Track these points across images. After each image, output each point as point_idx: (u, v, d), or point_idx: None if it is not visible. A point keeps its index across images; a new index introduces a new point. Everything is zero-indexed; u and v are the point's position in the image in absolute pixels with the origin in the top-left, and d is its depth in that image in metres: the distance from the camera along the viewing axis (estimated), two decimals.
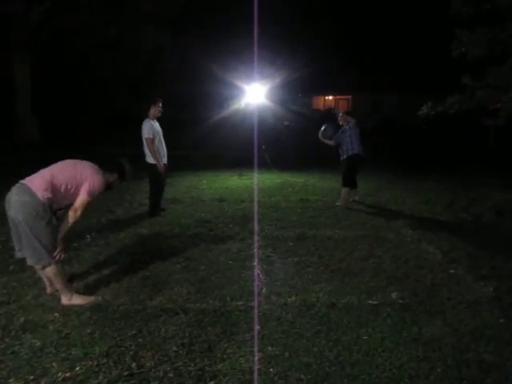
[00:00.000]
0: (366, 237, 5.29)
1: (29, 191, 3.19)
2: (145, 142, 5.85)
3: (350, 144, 6.79)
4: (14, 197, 3.21)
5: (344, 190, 6.93)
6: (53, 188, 3.27)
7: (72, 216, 3.38)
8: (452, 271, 4.20)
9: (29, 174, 3.37)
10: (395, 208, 6.86)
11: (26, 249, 3.26)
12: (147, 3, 15.69)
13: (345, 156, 6.92)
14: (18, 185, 3.29)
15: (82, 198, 3.38)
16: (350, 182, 6.93)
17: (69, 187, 3.35)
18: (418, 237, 5.29)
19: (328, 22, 24.01)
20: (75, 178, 3.38)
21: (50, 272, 3.34)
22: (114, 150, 13.64)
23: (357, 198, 7.33)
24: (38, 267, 3.43)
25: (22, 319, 3.15)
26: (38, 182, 3.25)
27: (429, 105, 9.24)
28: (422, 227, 5.69)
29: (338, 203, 6.98)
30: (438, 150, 14.93)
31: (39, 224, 3.17)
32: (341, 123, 7.08)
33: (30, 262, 3.32)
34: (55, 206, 3.38)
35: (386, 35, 24.29)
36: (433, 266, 4.32)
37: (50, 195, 3.24)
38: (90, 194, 3.40)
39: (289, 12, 22.83)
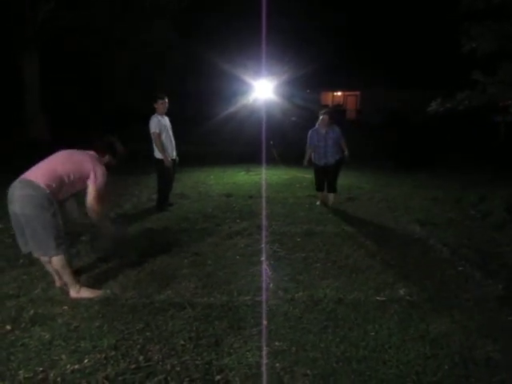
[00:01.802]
0: (373, 233, 5.27)
1: (31, 184, 3.20)
2: (153, 135, 5.89)
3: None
4: (18, 191, 3.22)
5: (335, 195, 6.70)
6: (57, 179, 3.28)
7: (93, 213, 3.46)
8: (460, 268, 4.17)
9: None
10: (403, 204, 6.82)
11: (33, 241, 3.27)
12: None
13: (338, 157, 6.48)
14: (19, 179, 3.30)
15: (92, 194, 3.42)
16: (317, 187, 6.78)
17: (72, 177, 3.36)
18: (425, 233, 5.26)
19: (337, 17, 23.84)
20: (77, 167, 3.40)
21: (57, 264, 3.37)
22: (122, 145, 13.72)
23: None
24: (44, 260, 3.46)
25: (31, 312, 3.19)
26: (40, 174, 3.25)
27: (438, 101, 9.16)
28: (430, 224, 5.66)
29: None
30: (446, 146, 14.81)
31: (45, 216, 3.19)
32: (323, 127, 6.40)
33: (37, 254, 3.36)
34: (61, 197, 3.40)
35: (395, 31, 24.08)
36: (441, 263, 4.30)
37: (54, 186, 3.26)
38: (98, 185, 3.43)
39: (297, 7, 22.69)
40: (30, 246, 3.33)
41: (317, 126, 6.49)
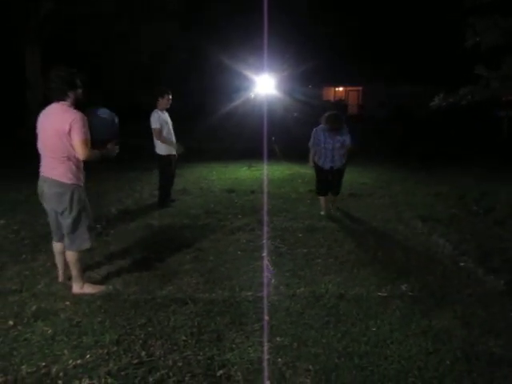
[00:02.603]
0: (375, 228, 5.27)
1: (57, 183, 3.24)
2: (154, 131, 5.88)
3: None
4: (47, 190, 3.29)
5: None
6: (71, 166, 3.25)
7: (90, 158, 3.28)
8: (462, 264, 4.17)
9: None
10: (406, 200, 6.80)
11: (68, 237, 3.34)
12: None
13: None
14: (43, 177, 3.32)
15: (80, 145, 3.17)
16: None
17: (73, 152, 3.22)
18: (428, 229, 5.25)
19: (339, 12, 23.72)
20: (62, 137, 3.17)
21: (73, 258, 3.39)
22: (124, 141, 13.73)
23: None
24: (59, 250, 3.51)
25: (34, 307, 3.20)
26: (59, 171, 3.24)
27: (441, 96, 9.11)
28: (432, 219, 5.64)
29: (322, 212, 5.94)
30: (449, 141, 14.76)
31: (77, 211, 3.27)
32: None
33: (70, 248, 3.38)
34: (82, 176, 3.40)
35: (397, 25, 23.94)
36: (443, 259, 4.30)
37: (74, 174, 3.26)
38: (82, 135, 3.16)
39: (299, 2, 22.58)
40: (65, 240, 3.40)
41: (323, 125, 5.69)
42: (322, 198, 5.94)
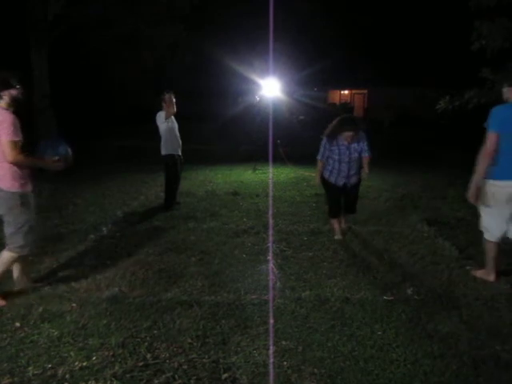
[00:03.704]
0: (381, 232, 5.25)
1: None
2: (160, 132, 5.95)
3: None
4: None
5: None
6: (11, 170, 3.20)
7: (23, 163, 3.23)
8: (468, 267, 4.14)
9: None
10: (411, 203, 6.78)
11: (7, 238, 3.32)
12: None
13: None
14: None
15: (6, 146, 3.12)
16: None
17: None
18: (434, 232, 5.23)
19: (345, 15, 23.75)
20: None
21: (8, 257, 3.35)
22: (129, 144, 13.79)
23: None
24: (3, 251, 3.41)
25: (40, 309, 3.22)
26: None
27: (446, 99, 9.08)
28: (438, 223, 5.62)
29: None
30: (455, 144, 14.70)
31: (14, 216, 3.25)
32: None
33: (7, 247, 3.35)
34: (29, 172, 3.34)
35: (403, 28, 23.92)
36: (449, 262, 4.27)
37: (15, 178, 3.22)
38: (11, 134, 3.14)
39: (305, 6, 22.63)
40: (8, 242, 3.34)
41: (334, 131, 4.78)
42: (335, 221, 5.06)
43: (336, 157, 4.75)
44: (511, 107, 3.62)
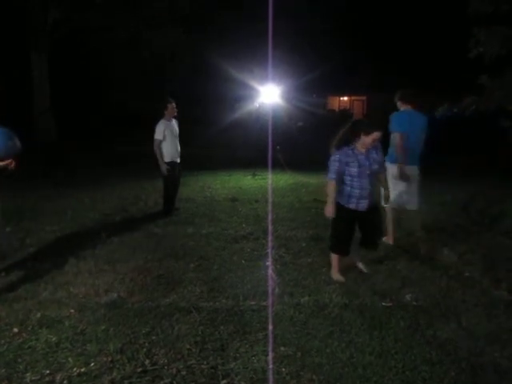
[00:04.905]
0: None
1: None
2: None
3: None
4: None
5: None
6: None
7: None
8: (467, 274, 4.14)
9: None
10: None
11: None
12: (160, 3, 15.78)
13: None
14: None
15: None
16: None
17: None
18: (432, 239, 5.23)
19: (344, 21, 23.88)
20: None
21: None
22: (128, 149, 13.80)
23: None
24: None
25: (38, 315, 3.22)
26: None
27: (445, 106, 9.14)
28: (437, 229, 5.62)
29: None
30: (452, 150, 14.73)
31: None
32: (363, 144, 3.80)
33: None
34: None
35: (402, 35, 24.07)
36: (448, 269, 4.27)
37: None
38: None
39: (304, 13, 22.77)
40: None
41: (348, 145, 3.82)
42: (337, 258, 4.00)
43: (355, 170, 3.74)
44: (408, 114, 4.94)
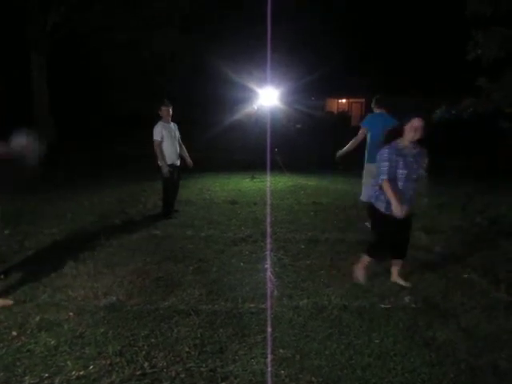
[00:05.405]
0: None
1: None
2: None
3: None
4: None
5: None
6: None
7: None
8: (466, 276, 4.15)
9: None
10: None
11: None
12: (160, 3, 15.80)
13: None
14: None
15: None
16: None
17: None
18: (431, 240, 5.24)
19: (342, 24, 23.94)
20: None
21: None
22: (128, 149, 13.81)
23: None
24: None
25: (37, 318, 3.21)
26: None
27: (443, 108, 9.16)
28: (435, 231, 5.63)
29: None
30: (450, 152, 14.75)
31: None
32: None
33: None
34: None
35: (400, 37, 24.12)
36: (447, 271, 4.28)
37: None
38: None
39: (303, 15, 22.82)
40: None
41: (396, 141, 3.61)
42: (368, 261, 3.91)
43: (403, 172, 3.51)
44: (376, 115, 5.68)
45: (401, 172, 3.52)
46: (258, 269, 4.27)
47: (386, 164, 3.52)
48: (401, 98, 25.40)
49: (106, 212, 6.49)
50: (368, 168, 5.43)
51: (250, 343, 2.93)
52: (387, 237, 3.74)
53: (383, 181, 3.54)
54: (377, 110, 5.69)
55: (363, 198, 5.50)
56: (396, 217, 3.52)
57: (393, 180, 3.52)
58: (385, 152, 3.55)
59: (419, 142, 3.63)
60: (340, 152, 5.80)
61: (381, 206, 3.65)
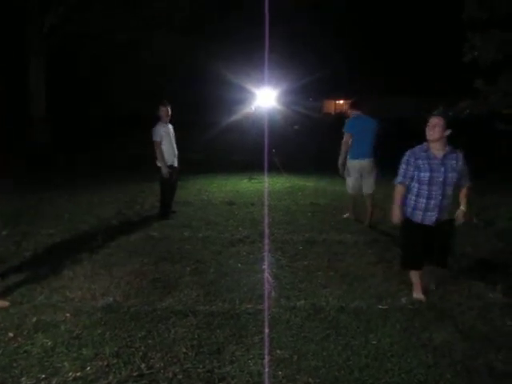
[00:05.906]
0: (376, 241, 5.26)
1: None
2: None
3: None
4: None
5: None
6: None
7: None
8: (463, 277, 4.16)
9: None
10: None
11: None
12: (160, 3, 15.79)
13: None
14: None
15: None
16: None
17: None
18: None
19: (340, 26, 23.99)
20: None
21: None
22: (128, 149, 13.80)
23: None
24: None
25: (34, 319, 3.21)
26: None
27: (440, 109, 9.18)
28: None
29: None
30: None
31: None
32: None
33: None
34: None
35: (397, 38, 24.20)
36: (443, 272, 4.28)
37: None
38: None
39: (300, 16, 22.85)
40: None
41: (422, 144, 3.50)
42: (414, 274, 3.66)
43: (425, 175, 3.37)
44: (353, 118, 5.92)
45: (423, 175, 3.39)
46: (255, 270, 4.28)
47: (403, 167, 3.50)
48: (401, 98, 25.56)
49: (103, 213, 6.48)
50: (349, 164, 5.94)
51: (248, 344, 2.94)
52: (415, 244, 3.56)
53: (397, 183, 3.54)
54: (354, 114, 5.98)
55: (348, 189, 6.17)
56: (422, 224, 3.44)
57: (418, 183, 3.43)
58: (405, 155, 3.52)
59: (451, 143, 3.47)
60: (340, 162, 6.00)
61: (409, 212, 3.52)
